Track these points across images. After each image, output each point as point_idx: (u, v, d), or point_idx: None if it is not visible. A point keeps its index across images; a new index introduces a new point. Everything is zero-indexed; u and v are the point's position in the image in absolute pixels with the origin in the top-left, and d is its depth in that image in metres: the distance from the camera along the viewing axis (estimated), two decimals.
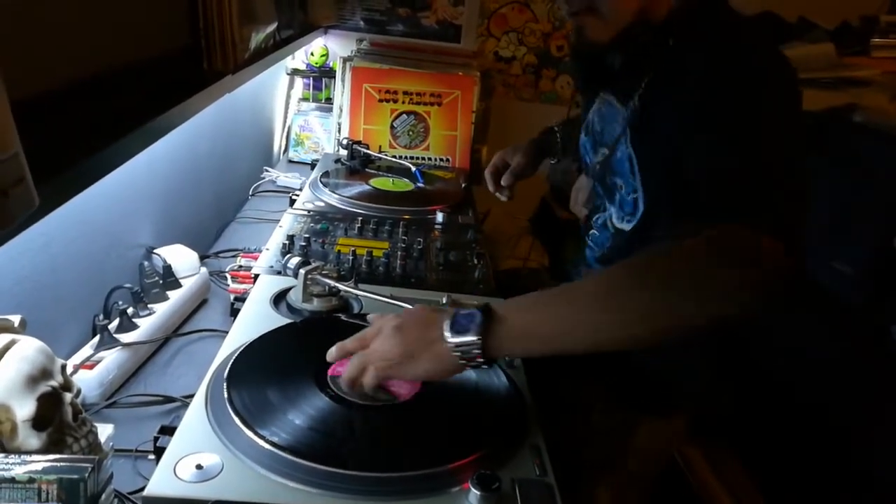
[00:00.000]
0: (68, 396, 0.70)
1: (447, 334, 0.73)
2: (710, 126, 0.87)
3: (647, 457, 1.22)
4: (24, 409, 0.64)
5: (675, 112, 0.93)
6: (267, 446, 0.69)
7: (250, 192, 1.72)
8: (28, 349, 0.67)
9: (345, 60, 1.95)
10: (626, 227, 1.10)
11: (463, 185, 1.71)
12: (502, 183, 1.42)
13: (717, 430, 1.58)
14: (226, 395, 0.76)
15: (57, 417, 0.68)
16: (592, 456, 1.19)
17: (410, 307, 0.85)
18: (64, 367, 0.71)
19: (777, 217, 0.73)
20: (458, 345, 0.73)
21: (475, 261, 1.26)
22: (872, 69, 1.84)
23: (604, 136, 1.13)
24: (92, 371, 0.90)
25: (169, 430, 0.74)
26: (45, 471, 0.60)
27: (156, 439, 0.74)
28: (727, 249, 0.70)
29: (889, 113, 1.63)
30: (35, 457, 0.62)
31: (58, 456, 0.64)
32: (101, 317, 0.98)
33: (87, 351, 0.93)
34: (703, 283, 0.69)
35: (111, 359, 0.92)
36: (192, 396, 0.79)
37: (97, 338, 0.94)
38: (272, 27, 1.53)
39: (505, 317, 0.73)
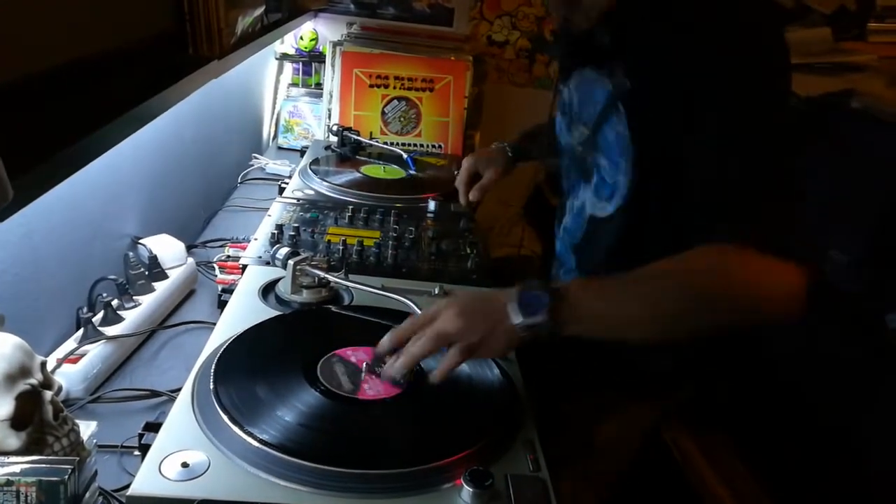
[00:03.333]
0: (48, 394, 0.68)
1: (515, 316, 0.77)
2: (716, 125, 0.88)
3: (612, 446, 1.20)
4: (2, 408, 0.62)
5: (675, 94, 0.91)
6: (255, 443, 0.68)
7: (239, 180, 1.70)
8: (5, 346, 0.65)
9: (335, 45, 1.92)
10: (603, 213, 1.07)
11: (455, 173, 1.68)
12: (470, 198, 1.38)
13: (712, 419, 1.57)
14: (212, 390, 0.75)
15: (37, 416, 0.67)
16: (557, 451, 1.18)
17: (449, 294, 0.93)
18: (44, 365, 0.70)
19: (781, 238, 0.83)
20: (527, 326, 0.76)
21: (468, 250, 1.24)
22: (869, 54, 1.82)
23: (582, 114, 1.10)
24: (76, 365, 0.88)
25: (154, 427, 0.72)
26: (23, 472, 0.59)
27: (140, 436, 0.72)
28: (763, 274, 0.81)
29: (886, 98, 1.61)
30: (13, 458, 0.61)
31: (37, 457, 0.62)
32: (85, 309, 0.96)
33: (70, 344, 0.91)
34: (744, 304, 0.82)
35: (95, 352, 0.90)
36: (178, 391, 0.78)
37: (81, 331, 0.92)
38: (259, 11, 1.49)
39: (573, 302, 0.77)
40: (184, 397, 0.75)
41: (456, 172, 1.68)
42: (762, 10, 0.95)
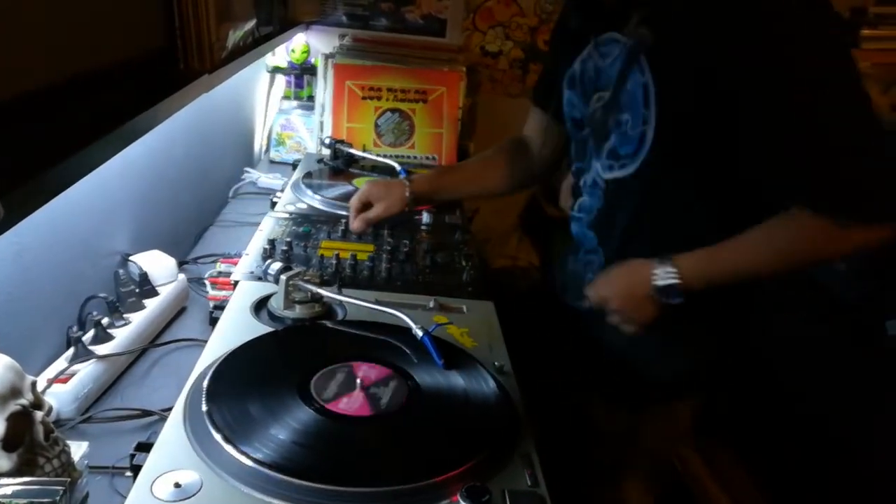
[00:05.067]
0: (39, 415, 0.67)
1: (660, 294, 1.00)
2: (776, 80, 0.89)
3: (659, 447, 1.21)
4: None
5: (705, 36, 0.92)
6: (248, 462, 0.67)
7: (230, 195, 1.69)
8: None
9: (327, 57, 1.92)
10: (626, 172, 1.06)
11: None
12: (353, 227, 1.30)
13: (714, 429, 1.56)
14: (205, 408, 0.73)
15: (27, 437, 0.66)
16: (604, 456, 1.17)
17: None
18: (34, 385, 0.69)
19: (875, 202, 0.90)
20: (665, 299, 1.00)
21: (463, 262, 1.24)
22: (863, 61, 1.83)
23: (599, 79, 1.09)
24: (66, 385, 0.86)
25: (146, 447, 0.71)
26: (14, 494, 0.59)
27: (132, 456, 0.71)
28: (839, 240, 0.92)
29: (880, 105, 1.62)
30: (4, 480, 0.61)
31: (28, 479, 0.62)
32: (76, 328, 0.95)
33: (61, 364, 0.90)
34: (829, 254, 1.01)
35: (86, 372, 0.89)
36: (170, 410, 0.76)
37: (71, 350, 0.91)
38: (251, 24, 1.49)
39: (692, 282, 0.99)
40: (175, 416, 0.74)
41: None
42: None
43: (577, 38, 1.15)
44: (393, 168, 1.65)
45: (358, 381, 0.81)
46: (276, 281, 0.98)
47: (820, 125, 0.89)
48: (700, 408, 1.19)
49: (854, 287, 1.41)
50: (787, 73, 0.89)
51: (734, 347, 1.15)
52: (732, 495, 1.50)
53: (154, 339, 1.05)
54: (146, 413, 0.88)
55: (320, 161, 1.74)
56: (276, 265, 0.99)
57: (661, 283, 0.98)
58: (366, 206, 1.31)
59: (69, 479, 0.63)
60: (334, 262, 1.16)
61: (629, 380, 1.12)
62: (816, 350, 1.47)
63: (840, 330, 1.42)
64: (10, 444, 0.64)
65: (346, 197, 1.49)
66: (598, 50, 1.08)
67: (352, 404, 0.77)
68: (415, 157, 1.92)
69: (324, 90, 1.91)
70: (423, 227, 1.39)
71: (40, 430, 0.67)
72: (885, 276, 1.28)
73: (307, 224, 1.33)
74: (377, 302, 0.97)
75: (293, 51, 2.07)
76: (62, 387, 0.86)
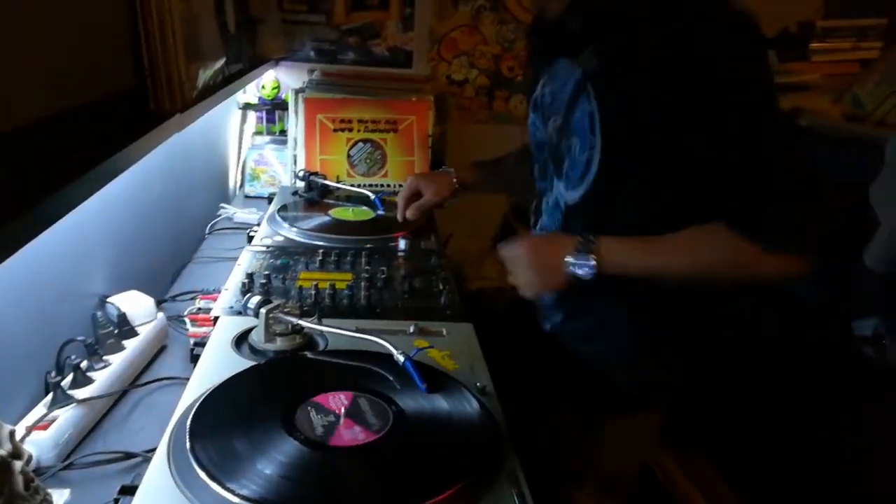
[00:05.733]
0: (18, 465, 0.66)
1: (571, 268, 1.02)
2: (706, 105, 0.94)
3: (621, 457, 1.21)
4: None
5: (643, 69, 0.96)
6: (236, 499, 0.66)
7: (207, 231, 1.68)
8: None
9: (297, 92, 1.94)
10: (575, 196, 1.10)
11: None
12: (408, 216, 1.44)
13: (689, 434, 1.58)
14: (189, 447, 0.73)
15: (6, 488, 0.65)
16: (568, 466, 1.18)
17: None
18: (13, 434, 0.68)
19: (792, 235, 0.95)
20: (577, 276, 1.02)
21: (441, 286, 1.25)
22: (813, 73, 1.90)
23: (554, 103, 1.14)
24: (46, 432, 0.85)
25: (130, 490, 0.70)
26: None
27: (116, 501, 0.70)
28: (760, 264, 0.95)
29: (832, 115, 1.67)
30: None
31: None
32: (54, 373, 0.94)
33: (40, 410, 0.88)
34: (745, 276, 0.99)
35: (66, 417, 0.88)
36: (154, 451, 0.76)
37: (50, 396, 0.90)
38: (220, 62, 1.51)
39: (607, 260, 1.01)
40: (159, 457, 0.73)
41: None
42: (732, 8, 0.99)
43: (539, 62, 1.19)
44: (368, 197, 1.66)
45: (342, 410, 0.81)
46: (256, 314, 0.98)
47: (748, 150, 0.94)
48: (662, 420, 1.21)
49: (819, 289, 1.45)
50: (719, 104, 0.94)
51: (699, 359, 1.17)
52: (710, 499, 1.51)
53: (135, 380, 1.04)
54: (129, 455, 0.87)
55: (295, 193, 1.75)
56: (256, 299, 1.00)
57: (575, 258, 1.01)
58: (414, 196, 1.42)
59: None
60: (313, 292, 1.17)
61: (591, 388, 1.14)
62: (786, 353, 1.51)
63: (808, 332, 1.46)
64: None
65: (321, 228, 1.51)
66: (557, 75, 1.12)
67: (337, 434, 0.77)
68: (389, 185, 1.94)
69: (295, 124, 1.93)
70: (399, 254, 1.40)
71: (20, 480, 0.66)
72: (848, 278, 1.32)
73: (285, 256, 1.33)
74: (358, 330, 0.98)
75: (263, 87, 2.09)
76: (42, 434, 0.85)
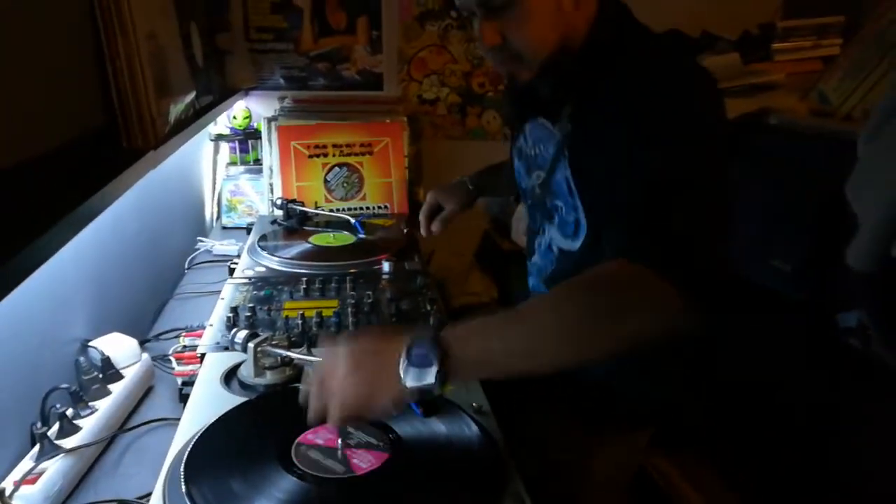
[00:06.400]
0: None
1: (406, 379, 0.74)
2: (640, 144, 0.90)
3: (610, 476, 1.21)
4: None
5: (606, 130, 0.96)
6: None
7: (186, 266, 1.66)
8: None
9: (269, 120, 1.93)
10: (573, 246, 1.10)
11: (405, 231, 1.70)
12: (433, 229, 1.44)
13: (687, 440, 1.59)
14: (184, 490, 0.72)
15: None
16: (557, 488, 1.18)
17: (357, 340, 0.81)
18: (2, 493, 0.66)
19: (680, 261, 0.80)
20: (417, 389, 0.74)
21: (428, 307, 1.24)
22: (778, 73, 1.93)
23: (537, 159, 1.14)
24: (35, 485, 0.83)
25: None
26: None
27: None
28: (638, 289, 0.79)
29: (799, 111, 1.71)
30: None
31: None
32: (39, 424, 0.91)
33: (27, 464, 0.86)
34: (618, 315, 0.78)
35: (55, 468, 0.85)
36: (148, 496, 0.74)
37: (37, 447, 0.87)
38: (191, 96, 1.50)
39: (458, 353, 0.75)
40: (155, 502, 0.72)
41: (405, 230, 1.70)
42: (673, 44, 1.01)
43: (521, 116, 1.20)
44: (348, 221, 1.66)
45: (339, 441, 0.80)
46: (244, 349, 0.96)
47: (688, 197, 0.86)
48: (657, 431, 1.21)
49: (800, 287, 1.47)
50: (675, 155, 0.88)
51: (694, 372, 1.18)
52: (709, 500, 1.52)
53: (123, 425, 1.01)
54: (123, 503, 0.85)
55: (274, 222, 1.74)
56: (242, 333, 0.98)
57: (411, 365, 0.74)
58: (434, 210, 1.43)
59: None
60: (300, 321, 1.15)
61: (585, 408, 1.14)
62: (775, 352, 1.52)
63: (794, 328, 1.47)
64: None
65: (303, 255, 1.50)
66: (536, 130, 1.14)
67: (335, 466, 0.76)
68: (368, 208, 1.93)
69: (270, 153, 1.92)
70: (384, 277, 1.39)
71: None
72: (829, 271, 1.34)
73: (268, 287, 1.32)
74: None
75: (235, 117, 2.07)
76: (30, 488, 0.82)
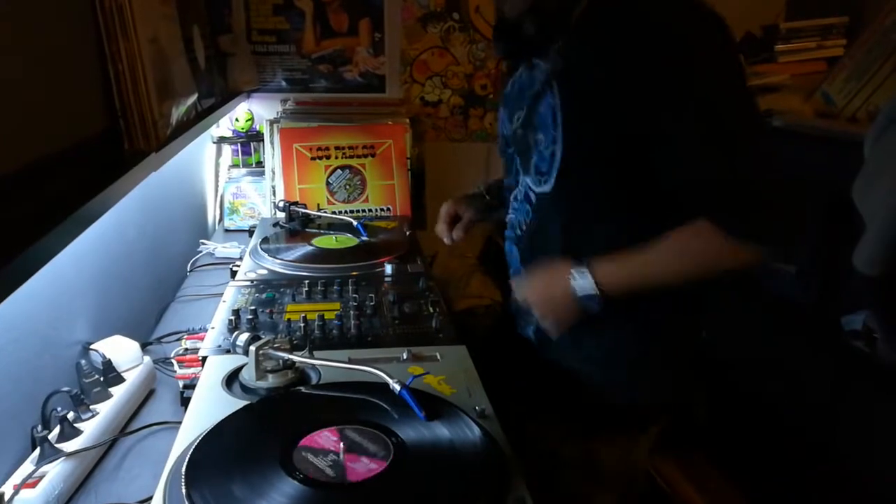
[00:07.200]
0: None
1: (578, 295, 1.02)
2: (675, 98, 0.94)
3: (620, 479, 1.20)
4: None
5: (604, 63, 0.97)
6: None
7: (188, 269, 1.66)
8: None
9: (271, 123, 1.93)
10: (545, 188, 1.10)
11: (407, 233, 1.69)
12: (454, 237, 1.42)
13: (691, 442, 1.58)
14: (185, 493, 0.71)
15: None
16: (567, 489, 1.17)
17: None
18: (1, 496, 0.65)
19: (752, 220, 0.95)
20: (583, 300, 1.02)
21: (431, 309, 1.24)
22: (781, 74, 1.93)
23: (520, 98, 1.14)
24: (35, 489, 0.82)
25: None
26: None
27: None
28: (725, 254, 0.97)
29: (804, 113, 1.70)
30: None
31: None
32: (40, 427, 0.90)
33: (27, 467, 0.85)
34: (713, 268, 1.01)
35: (55, 472, 0.85)
36: (149, 500, 0.74)
37: (38, 451, 0.87)
38: (192, 98, 1.50)
39: (610, 276, 1.02)
40: None
41: (408, 232, 1.69)
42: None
43: (513, 61, 1.20)
44: (350, 223, 1.65)
45: (341, 445, 0.79)
46: (246, 352, 0.96)
47: (726, 144, 0.94)
48: (661, 431, 1.20)
49: (806, 290, 1.46)
50: (691, 94, 0.93)
51: (696, 371, 1.18)
52: (713, 501, 1.51)
53: (124, 428, 1.01)
54: None
55: (276, 225, 1.74)
56: (244, 336, 0.97)
57: (580, 293, 1.02)
58: (454, 218, 1.42)
59: None
60: (302, 325, 1.15)
61: (589, 413, 1.13)
62: (779, 353, 1.51)
63: (799, 331, 1.47)
64: None
65: (306, 258, 1.49)
66: (525, 73, 1.14)
67: (337, 471, 0.76)
68: (370, 210, 1.93)
69: (272, 155, 1.92)
70: (386, 279, 1.39)
71: None
72: (834, 274, 1.33)
73: (270, 290, 1.31)
74: (350, 360, 0.96)
75: (237, 120, 2.08)
76: (31, 492, 0.82)
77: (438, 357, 1.05)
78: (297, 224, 1.72)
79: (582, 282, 1.02)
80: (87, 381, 1.01)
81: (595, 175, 1.05)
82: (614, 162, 1.02)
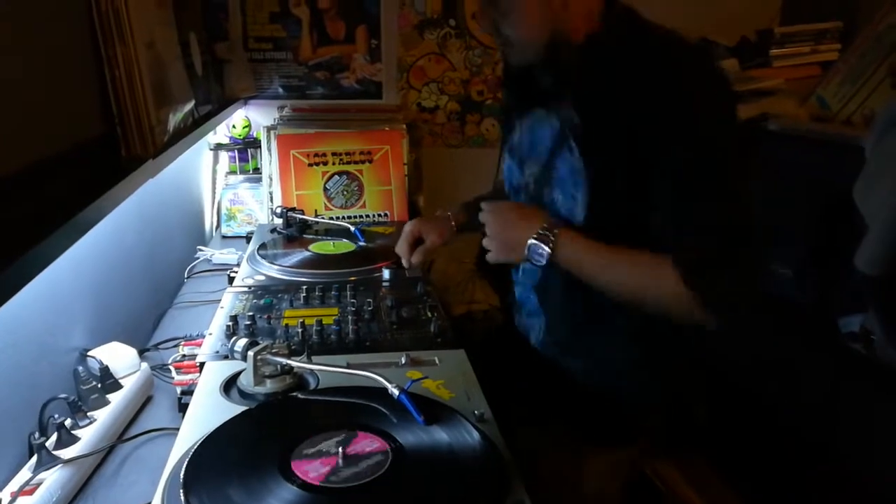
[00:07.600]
0: None
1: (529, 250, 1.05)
2: (679, 167, 0.97)
3: (610, 482, 1.20)
4: None
5: (626, 122, 0.98)
6: None
7: (186, 275, 1.66)
8: None
9: (268, 129, 1.93)
10: None
11: None
12: (413, 261, 1.37)
13: (690, 444, 1.57)
14: (183, 500, 0.71)
15: None
16: (557, 495, 1.17)
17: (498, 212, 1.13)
18: None
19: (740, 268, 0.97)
20: (533, 249, 1.05)
21: (429, 314, 1.23)
22: (776, 78, 1.94)
23: (533, 152, 1.14)
24: (32, 496, 0.82)
25: None
26: None
27: None
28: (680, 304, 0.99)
29: (799, 117, 1.71)
30: None
31: None
32: (37, 434, 0.90)
33: (25, 475, 0.85)
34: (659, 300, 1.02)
35: (53, 479, 0.85)
36: None
37: (35, 458, 0.86)
38: (190, 105, 1.50)
39: (568, 250, 1.04)
40: None
41: None
42: (693, 47, 1.02)
43: (515, 109, 1.20)
44: (348, 229, 1.65)
45: (340, 450, 0.79)
46: (244, 358, 0.96)
47: (715, 198, 0.97)
48: (652, 440, 1.21)
49: (802, 291, 1.46)
50: (695, 136, 0.96)
51: (696, 386, 1.18)
52: (711, 501, 1.50)
53: (122, 435, 1.01)
54: None
55: (273, 231, 1.73)
56: (242, 341, 0.97)
57: (533, 245, 1.04)
58: (416, 240, 1.38)
59: None
60: (300, 330, 1.15)
61: (583, 416, 1.13)
62: (777, 354, 1.51)
63: (796, 333, 1.47)
64: None
65: (303, 263, 1.49)
66: (533, 123, 1.14)
67: (337, 476, 0.75)
68: (367, 216, 1.93)
69: (269, 162, 1.92)
70: (384, 284, 1.39)
71: None
72: (832, 277, 1.34)
73: (268, 295, 1.31)
74: (349, 365, 0.96)
75: (234, 126, 2.08)
76: (28, 499, 0.81)
77: (437, 361, 1.04)
78: (294, 230, 1.72)
79: (543, 237, 1.03)
80: (84, 387, 1.00)
81: (612, 231, 1.05)
82: (634, 216, 1.03)
